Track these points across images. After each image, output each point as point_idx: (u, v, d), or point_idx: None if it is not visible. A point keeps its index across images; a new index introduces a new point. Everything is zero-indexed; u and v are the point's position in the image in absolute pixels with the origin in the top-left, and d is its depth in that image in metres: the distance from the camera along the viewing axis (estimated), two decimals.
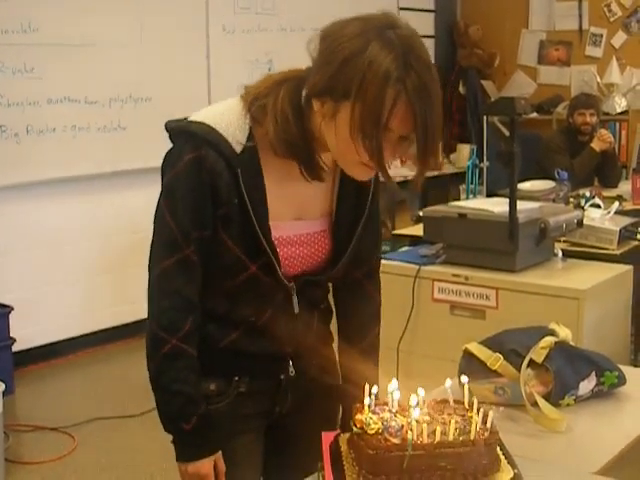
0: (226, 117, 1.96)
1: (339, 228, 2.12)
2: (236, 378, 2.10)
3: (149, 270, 2.01)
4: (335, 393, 2.29)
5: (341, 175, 2.08)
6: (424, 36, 9.12)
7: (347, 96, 1.79)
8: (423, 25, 9.21)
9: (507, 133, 3.75)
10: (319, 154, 1.96)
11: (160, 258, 1.98)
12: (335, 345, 2.32)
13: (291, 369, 2.15)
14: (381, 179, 2.10)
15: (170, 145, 2.01)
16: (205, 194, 1.93)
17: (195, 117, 1.98)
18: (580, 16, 8.87)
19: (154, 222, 2.01)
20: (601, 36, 8.78)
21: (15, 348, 5.63)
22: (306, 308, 2.13)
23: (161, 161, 2.01)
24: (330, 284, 2.26)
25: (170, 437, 2.09)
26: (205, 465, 2.05)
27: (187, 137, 1.95)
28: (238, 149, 1.93)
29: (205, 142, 1.92)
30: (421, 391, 1.82)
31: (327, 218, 2.11)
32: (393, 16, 1.87)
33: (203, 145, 1.92)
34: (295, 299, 2.09)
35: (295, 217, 2.06)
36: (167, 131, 2.02)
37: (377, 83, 1.76)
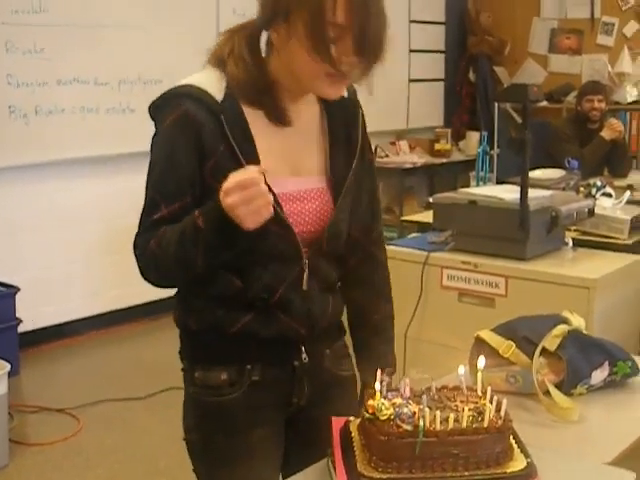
0: (200, 76, 2.01)
1: (336, 183, 2.11)
2: (248, 366, 2.07)
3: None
4: (352, 383, 2.28)
5: (329, 133, 2.12)
6: (434, 22, 9.11)
7: (290, 10, 1.89)
8: (433, 11, 9.18)
9: (519, 120, 3.71)
10: (282, 97, 2.02)
11: (142, 223, 1.99)
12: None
13: (304, 355, 2.11)
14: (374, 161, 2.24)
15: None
16: (188, 155, 1.94)
17: (171, 87, 2.02)
18: (592, 4, 8.82)
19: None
20: (613, 25, 8.74)
21: (21, 329, 5.63)
22: (318, 287, 2.11)
23: None
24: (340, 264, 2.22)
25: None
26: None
27: (166, 102, 1.99)
28: (219, 97, 1.96)
29: (184, 96, 1.96)
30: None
31: (324, 176, 2.11)
32: None
33: (183, 100, 1.95)
34: (306, 274, 2.06)
35: (292, 173, 2.06)
36: (150, 115, 2.04)
37: None
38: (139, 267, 1.99)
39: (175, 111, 1.95)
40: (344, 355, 2.28)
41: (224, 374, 2.07)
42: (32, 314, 5.78)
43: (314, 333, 2.11)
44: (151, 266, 1.97)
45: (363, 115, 2.22)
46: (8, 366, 4.27)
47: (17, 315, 5.55)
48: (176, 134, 1.95)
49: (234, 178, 1.76)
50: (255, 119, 2.00)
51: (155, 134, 2.01)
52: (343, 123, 2.16)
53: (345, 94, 2.14)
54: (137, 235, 1.99)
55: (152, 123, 2.04)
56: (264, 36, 2.02)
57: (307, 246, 2.06)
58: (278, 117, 2.02)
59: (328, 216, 2.09)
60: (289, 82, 2.00)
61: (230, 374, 2.07)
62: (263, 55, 2.02)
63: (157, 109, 2.02)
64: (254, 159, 1.96)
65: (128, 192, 6.14)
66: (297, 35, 1.89)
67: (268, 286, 2.03)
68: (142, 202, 2.02)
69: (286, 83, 2.01)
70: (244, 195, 1.75)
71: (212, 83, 1.98)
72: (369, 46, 1.90)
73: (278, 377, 2.11)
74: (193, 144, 1.94)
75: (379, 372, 1.83)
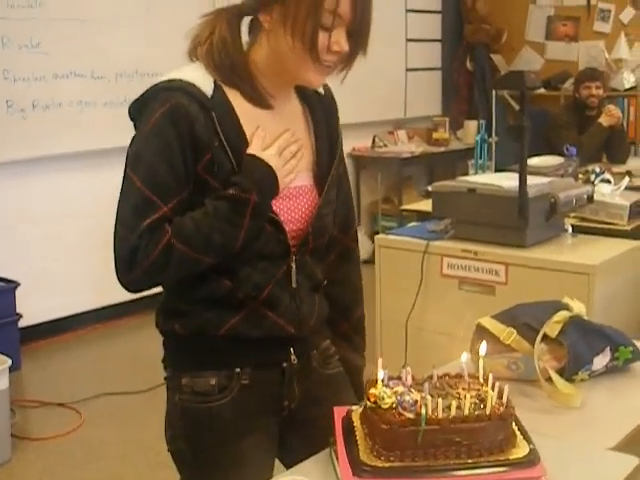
0: (189, 71, 1.97)
1: (322, 178, 2.10)
2: (237, 370, 2.04)
3: (115, 244, 1.91)
4: (340, 380, 2.27)
5: (313, 126, 2.12)
6: (431, 11, 9.10)
7: None
8: (430, 1, 9.15)
9: (517, 107, 3.71)
10: (259, 80, 1.99)
11: (132, 226, 1.87)
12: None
13: (293, 357, 2.09)
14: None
15: None
16: (182, 148, 1.88)
17: (155, 82, 1.97)
18: None
19: (119, 201, 1.92)
20: (609, 11, 8.71)
21: (22, 324, 5.63)
22: (307, 286, 2.10)
23: None
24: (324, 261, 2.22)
25: None
26: None
27: (155, 95, 1.93)
28: (209, 93, 1.93)
29: (175, 89, 1.91)
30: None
31: (310, 173, 2.10)
32: None
33: (173, 94, 1.90)
34: (294, 271, 2.05)
35: None
36: (131, 114, 2.00)
37: None
38: (138, 272, 1.89)
39: (164, 104, 1.89)
40: (331, 355, 2.25)
41: (213, 379, 2.03)
42: (32, 309, 5.77)
43: (302, 333, 2.09)
44: (166, 268, 1.90)
45: (337, 110, 2.22)
46: (9, 361, 4.27)
47: (17, 310, 5.54)
48: (166, 126, 1.88)
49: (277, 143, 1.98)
50: (246, 109, 1.98)
51: (137, 131, 1.95)
52: (324, 119, 2.16)
53: (322, 91, 2.16)
54: (132, 244, 1.87)
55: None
56: (245, 25, 2.03)
57: (295, 244, 2.04)
58: (257, 100, 2.00)
59: (314, 211, 2.07)
60: (270, 71, 1.99)
61: (219, 379, 2.03)
62: (244, 41, 2.02)
63: (140, 105, 1.95)
64: (243, 149, 1.95)
65: None
66: (290, 19, 1.88)
67: (257, 285, 2.00)
68: None
69: (267, 71, 2.00)
70: (285, 157, 1.98)
71: (200, 77, 1.95)
72: (363, 37, 1.95)
73: (268, 380, 2.08)
74: (187, 137, 1.88)
75: (380, 361, 1.83)
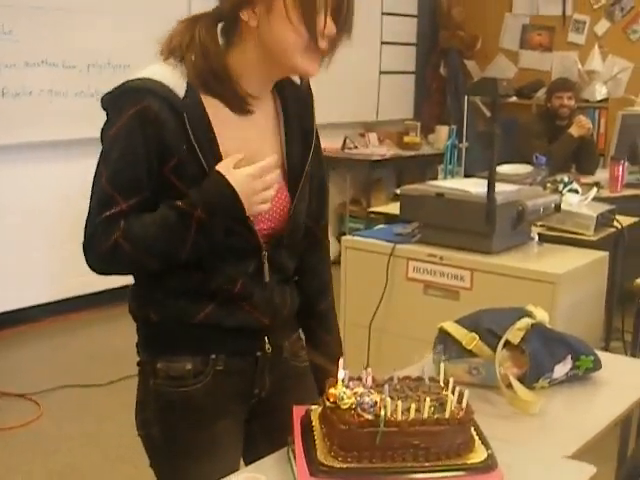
0: (161, 70, 1.95)
1: (292, 176, 2.11)
2: (213, 356, 2.05)
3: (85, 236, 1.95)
4: (307, 374, 2.28)
5: (285, 124, 2.11)
6: (407, 15, 9.11)
7: None
8: (406, 4, 9.17)
9: (488, 114, 3.72)
10: (241, 85, 1.98)
11: (94, 215, 1.92)
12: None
13: (267, 346, 2.11)
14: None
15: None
16: (148, 152, 1.90)
17: (128, 79, 1.95)
18: (564, 2, 8.84)
19: (92, 186, 1.96)
20: (584, 23, 8.76)
21: None
22: (277, 279, 2.11)
23: None
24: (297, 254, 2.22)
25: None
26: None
27: (126, 95, 1.92)
28: (181, 93, 1.91)
29: (146, 91, 1.89)
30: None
31: (281, 170, 2.09)
32: None
33: (145, 95, 1.89)
34: (266, 266, 2.05)
35: None
36: (103, 105, 1.98)
37: None
38: (93, 257, 1.95)
39: (135, 105, 1.89)
40: (300, 347, 2.28)
41: (189, 364, 2.05)
42: None
43: (276, 323, 2.11)
44: (114, 262, 1.95)
45: (313, 101, 2.21)
46: None
47: None
48: (134, 129, 1.89)
49: (259, 165, 1.92)
50: (217, 112, 1.97)
51: (108, 125, 1.95)
52: (298, 114, 2.14)
53: (297, 81, 2.15)
54: (90, 231, 1.93)
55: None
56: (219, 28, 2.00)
57: (267, 240, 2.05)
58: (239, 106, 1.99)
59: (286, 210, 2.08)
60: (256, 70, 1.98)
61: (195, 364, 2.05)
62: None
63: (113, 100, 1.95)
64: (217, 160, 1.94)
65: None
66: (282, 7, 1.87)
67: (230, 277, 2.01)
68: None
69: (251, 72, 1.98)
70: (264, 182, 1.93)
71: (173, 78, 1.93)
72: (348, 20, 1.95)
73: (241, 367, 2.10)
74: (153, 141, 1.89)
75: (341, 361, 1.83)
